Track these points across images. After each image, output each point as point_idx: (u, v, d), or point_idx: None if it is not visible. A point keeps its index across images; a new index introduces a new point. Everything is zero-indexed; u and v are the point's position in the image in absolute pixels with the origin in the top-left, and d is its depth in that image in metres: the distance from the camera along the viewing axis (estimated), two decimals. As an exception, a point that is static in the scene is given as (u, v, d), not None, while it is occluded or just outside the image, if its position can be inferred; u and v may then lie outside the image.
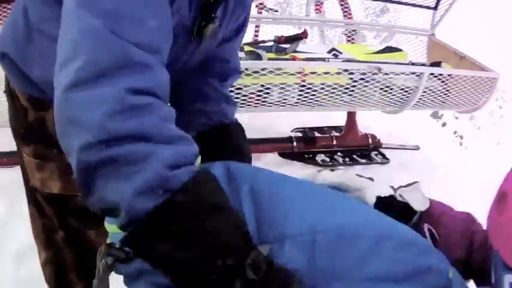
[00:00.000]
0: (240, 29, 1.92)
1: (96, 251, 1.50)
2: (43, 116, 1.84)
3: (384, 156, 4.75)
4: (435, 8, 4.80)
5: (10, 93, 1.90)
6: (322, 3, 5.36)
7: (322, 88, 3.72)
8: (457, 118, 6.20)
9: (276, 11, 6.25)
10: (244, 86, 3.58)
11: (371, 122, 5.13)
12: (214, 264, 1.06)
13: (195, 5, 1.53)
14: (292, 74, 3.63)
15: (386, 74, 3.76)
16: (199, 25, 1.60)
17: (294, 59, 4.02)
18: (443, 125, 6.12)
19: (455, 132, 6.04)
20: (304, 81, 3.69)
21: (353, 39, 5.25)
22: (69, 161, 1.14)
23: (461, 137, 6.00)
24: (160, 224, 1.06)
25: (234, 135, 2.01)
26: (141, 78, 1.14)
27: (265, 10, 5.72)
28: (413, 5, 4.94)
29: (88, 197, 1.14)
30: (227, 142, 1.97)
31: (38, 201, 2.02)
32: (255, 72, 3.51)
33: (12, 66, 1.78)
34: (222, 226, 1.10)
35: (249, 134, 4.18)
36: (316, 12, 5.33)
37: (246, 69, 3.47)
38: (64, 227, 2.04)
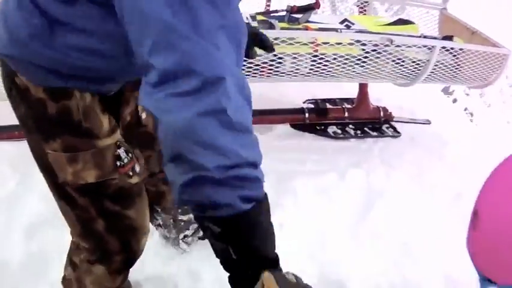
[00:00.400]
0: None
1: (139, 230, 2.13)
2: (67, 105, 1.85)
3: (395, 129, 4.71)
4: (447, -19, 4.76)
5: (18, 90, 1.87)
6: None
7: (335, 59, 3.68)
8: (467, 95, 6.19)
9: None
10: (257, 56, 3.56)
11: (382, 95, 5.11)
12: (274, 256, 1.49)
13: None
14: (305, 44, 3.58)
15: (398, 46, 3.71)
16: None
17: (306, 29, 3.99)
18: (454, 101, 6.10)
19: (465, 109, 6.02)
20: (316, 51, 3.65)
21: (365, 11, 5.20)
22: (186, 171, 1.38)
23: (472, 114, 5.98)
24: (250, 219, 1.41)
25: None
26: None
27: (276, -20, 5.71)
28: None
29: (190, 196, 1.42)
30: None
31: (69, 194, 2.01)
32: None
33: (20, 63, 1.79)
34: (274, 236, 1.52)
35: (261, 105, 4.23)
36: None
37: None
38: (103, 214, 2.07)
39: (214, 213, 1.40)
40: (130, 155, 2.06)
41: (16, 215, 3.28)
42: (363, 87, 4.66)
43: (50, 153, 1.91)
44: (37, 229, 3.19)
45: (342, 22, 4.32)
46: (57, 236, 2.75)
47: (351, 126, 4.63)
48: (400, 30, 4.28)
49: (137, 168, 2.11)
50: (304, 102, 4.94)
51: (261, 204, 1.43)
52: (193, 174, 1.36)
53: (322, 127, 4.61)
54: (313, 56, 3.65)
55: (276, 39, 3.43)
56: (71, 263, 2.30)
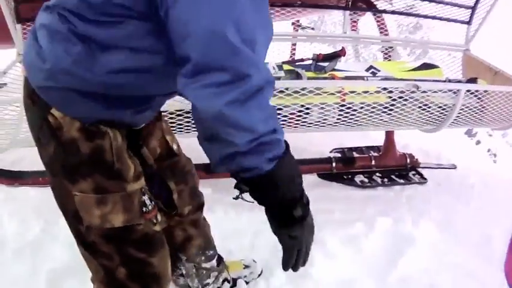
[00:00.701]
0: None
1: (162, 278, 2.19)
2: (100, 145, 1.92)
3: (421, 176, 4.67)
4: (469, 22, 4.78)
5: (50, 128, 1.90)
6: (357, 20, 5.35)
7: (362, 107, 3.68)
8: (490, 135, 6.18)
9: (312, 28, 6.28)
10: (285, 107, 3.57)
11: (408, 141, 5.11)
12: (298, 196, 1.89)
13: None
14: (332, 94, 3.59)
15: (424, 91, 3.71)
16: None
17: (333, 77, 4.00)
18: (478, 142, 6.10)
19: (489, 150, 6.00)
20: (344, 100, 3.65)
21: (389, 56, 5.22)
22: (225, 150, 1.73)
23: (495, 155, 5.97)
24: (274, 175, 1.76)
25: None
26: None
27: (301, 28, 5.75)
28: (447, 20, 4.91)
29: (225, 167, 1.78)
30: None
31: (92, 241, 2.03)
32: (295, 92, 3.47)
33: (62, 94, 1.84)
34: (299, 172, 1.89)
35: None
36: (352, 29, 5.32)
37: (287, 89, 3.45)
38: (126, 264, 2.10)
39: (245, 175, 1.77)
40: (153, 202, 2.15)
41: (39, 262, 3.28)
42: (389, 135, 4.65)
43: (76, 195, 1.94)
44: (60, 277, 3.17)
45: (367, 69, 4.34)
46: (81, 285, 2.75)
47: (378, 174, 4.60)
48: (425, 75, 4.29)
49: (159, 217, 2.18)
50: (331, 152, 4.95)
51: (283, 159, 1.76)
52: (226, 150, 1.72)
53: (349, 176, 4.58)
54: (340, 106, 3.65)
55: (303, 89, 3.44)
56: None
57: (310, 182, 4.40)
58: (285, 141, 1.80)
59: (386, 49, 5.24)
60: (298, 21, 5.80)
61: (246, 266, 3.23)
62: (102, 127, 1.91)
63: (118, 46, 1.74)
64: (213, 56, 1.58)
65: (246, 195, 1.89)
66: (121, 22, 1.70)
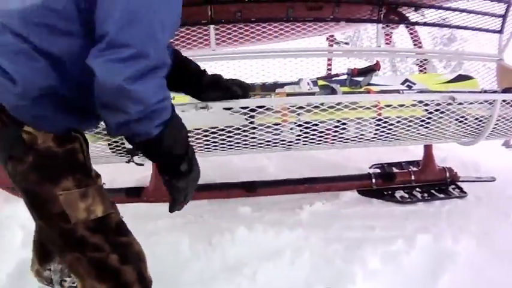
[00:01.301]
0: None
1: (143, 255, 2.37)
2: (73, 148, 2.17)
3: (461, 190, 4.60)
4: (500, 31, 4.76)
5: (24, 143, 2.07)
6: (391, 33, 5.32)
7: (399, 122, 3.64)
8: (527, 146, 6.09)
9: (347, 43, 6.27)
10: (320, 122, 3.54)
11: (446, 154, 5.06)
12: (183, 153, 2.17)
13: None
14: (368, 108, 3.55)
15: (460, 103, 3.65)
16: None
17: (368, 92, 3.97)
18: (515, 154, 6.00)
19: (527, 161, 5.90)
20: (380, 114, 3.61)
21: (424, 69, 5.18)
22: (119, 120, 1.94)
23: (533, 166, 5.86)
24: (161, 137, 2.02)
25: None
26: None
27: (336, 43, 5.74)
28: (479, 30, 4.88)
29: (120, 132, 2.03)
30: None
31: (82, 237, 2.17)
32: (331, 107, 3.44)
33: (33, 111, 2.03)
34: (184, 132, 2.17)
35: (327, 171, 4.20)
36: (386, 43, 5.30)
37: (322, 104, 3.42)
38: (115, 250, 2.24)
39: (137, 140, 2.03)
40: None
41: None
42: (428, 149, 4.60)
43: (61, 194, 2.10)
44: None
45: (403, 83, 4.31)
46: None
47: (417, 189, 4.53)
48: (461, 87, 4.26)
49: None
50: (370, 167, 4.93)
51: (170, 123, 2.03)
52: (121, 118, 1.92)
53: (390, 192, 4.52)
54: (377, 120, 3.61)
55: (338, 104, 3.42)
56: None
57: (350, 199, 4.41)
58: (172, 105, 2.07)
59: (421, 62, 5.21)
60: (332, 36, 5.81)
61: None
62: (72, 133, 2.16)
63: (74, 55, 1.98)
64: (127, 34, 1.82)
65: (137, 159, 2.48)
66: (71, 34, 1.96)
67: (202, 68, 2.82)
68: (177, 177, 2.20)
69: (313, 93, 3.80)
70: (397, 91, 4.05)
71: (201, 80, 2.81)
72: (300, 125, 3.53)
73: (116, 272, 2.24)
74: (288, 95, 3.86)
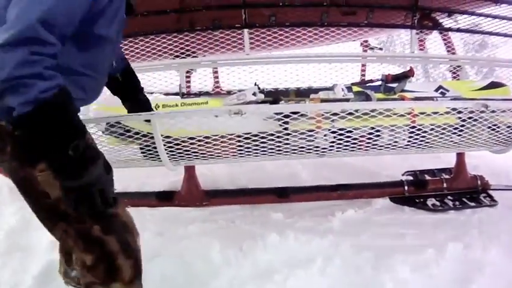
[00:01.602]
0: None
1: (131, 226, 2.41)
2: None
3: (492, 198, 4.57)
4: (533, 37, 4.71)
5: (4, 133, 2.22)
6: (424, 39, 5.31)
7: (432, 129, 3.63)
8: (560, 154, 6.03)
9: (380, 49, 6.27)
10: (354, 129, 3.54)
11: (478, 162, 5.03)
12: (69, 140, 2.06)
13: None
14: (402, 115, 3.55)
15: (493, 111, 3.63)
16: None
17: (402, 99, 3.96)
18: (547, 162, 5.94)
19: (559, 170, 5.84)
20: (414, 122, 3.61)
21: (457, 75, 5.16)
22: None
23: None
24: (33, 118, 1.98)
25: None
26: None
27: (370, 48, 5.74)
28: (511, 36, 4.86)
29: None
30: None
31: (64, 211, 2.26)
32: (365, 114, 3.44)
33: None
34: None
35: (359, 178, 4.19)
36: (420, 49, 5.29)
37: (356, 111, 3.42)
38: (98, 219, 2.30)
39: (12, 116, 1.99)
40: None
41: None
42: (460, 156, 4.58)
43: (40, 175, 2.21)
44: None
45: (437, 89, 4.28)
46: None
47: (449, 197, 4.50)
48: (493, 94, 4.22)
49: None
50: (403, 175, 4.91)
51: (43, 105, 1.95)
52: None
53: (421, 200, 4.49)
54: (411, 128, 3.61)
55: (372, 111, 3.41)
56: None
57: (382, 206, 4.40)
58: (64, 94, 2.06)
59: (454, 68, 5.18)
60: (366, 41, 5.81)
61: None
62: None
63: None
64: (8, 12, 1.99)
65: None
66: None
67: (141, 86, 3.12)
68: (59, 173, 2.14)
69: (347, 100, 3.80)
70: (431, 98, 4.05)
71: (135, 97, 3.12)
72: (333, 132, 3.53)
73: (99, 241, 2.32)
74: (322, 101, 3.86)
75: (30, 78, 1.93)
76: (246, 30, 4.78)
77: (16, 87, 1.91)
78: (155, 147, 3.45)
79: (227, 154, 3.65)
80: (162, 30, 5.14)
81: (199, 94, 5.11)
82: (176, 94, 5.06)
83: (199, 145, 3.58)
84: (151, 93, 5.20)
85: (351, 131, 3.52)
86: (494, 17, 4.99)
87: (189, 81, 5.27)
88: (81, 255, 2.37)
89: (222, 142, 3.59)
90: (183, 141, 3.50)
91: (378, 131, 3.57)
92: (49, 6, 1.98)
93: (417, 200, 4.47)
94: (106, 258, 2.34)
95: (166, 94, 5.32)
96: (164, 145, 3.42)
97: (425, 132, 3.63)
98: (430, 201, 4.43)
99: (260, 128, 3.43)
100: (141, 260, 2.46)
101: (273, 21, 4.96)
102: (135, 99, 3.17)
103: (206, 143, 3.58)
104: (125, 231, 2.39)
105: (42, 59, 1.97)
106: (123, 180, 4.69)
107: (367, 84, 4.42)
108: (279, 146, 3.53)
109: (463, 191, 4.57)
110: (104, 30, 2.27)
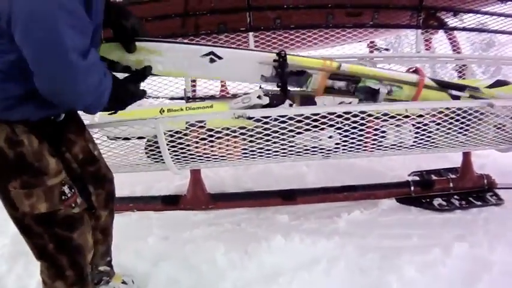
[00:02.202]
0: None
1: (83, 248, 2.68)
2: (21, 151, 2.43)
3: (498, 197, 4.57)
4: (539, 35, 4.70)
5: None
6: (430, 39, 5.31)
7: (438, 129, 3.62)
8: None
9: (387, 49, 6.27)
10: (360, 130, 3.54)
11: (484, 161, 5.02)
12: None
13: None
14: (407, 116, 3.55)
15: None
16: None
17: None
18: (554, 161, 5.91)
19: None
20: (419, 122, 3.60)
21: (464, 74, 5.15)
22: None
23: None
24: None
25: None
26: None
27: (376, 49, 5.74)
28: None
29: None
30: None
31: (27, 224, 2.52)
32: (370, 115, 3.46)
33: None
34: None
35: (366, 179, 4.18)
36: (426, 49, 5.28)
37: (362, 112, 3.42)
38: (52, 240, 2.57)
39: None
40: (73, 190, 2.65)
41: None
42: (466, 156, 4.60)
43: (12, 190, 2.45)
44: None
45: (441, 89, 4.27)
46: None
47: (456, 197, 4.52)
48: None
49: (78, 201, 2.68)
50: (409, 175, 4.92)
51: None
52: None
53: (428, 200, 4.50)
54: (416, 128, 3.60)
55: (378, 112, 3.42)
56: (42, 281, 2.73)
57: (388, 207, 4.42)
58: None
59: (460, 67, 5.17)
60: (373, 42, 5.82)
61: (124, 282, 3.42)
62: (20, 136, 2.43)
63: None
64: None
65: None
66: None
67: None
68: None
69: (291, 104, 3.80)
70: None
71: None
72: (339, 133, 3.53)
73: (51, 257, 2.61)
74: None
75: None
76: (251, 34, 4.79)
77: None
78: (160, 151, 3.46)
79: (232, 156, 3.65)
80: (167, 35, 5.16)
81: (204, 98, 5.13)
82: (181, 98, 5.11)
83: (204, 148, 3.59)
84: (157, 97, 5.23)
85: (356, 132, 3.52)
86: (500, 15, 4.99)
87: (194, 86, 5.28)
88: (40, 261, 2.68)
89: (227, 146, 3.59)
90: (187, 145, 3.51)
91: (383, 131, 3.57)
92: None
93: (423, 200, 4.49)
94: (56, 268, 2.66)
95: (172, 99, 5.34)
96: (168, 149, 3.43)
97: (430, 132, 3.62)
98: (437, 201, 4.43)
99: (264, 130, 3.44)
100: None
101: (278, 23, 4.96)
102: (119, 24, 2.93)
103: (211, 146, 3.59)
104: (77, 253, 2.67)
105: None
106: (130, 185, 4.75)
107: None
108: (284, 148, 3.53)
109: (470, 190, 4.57)
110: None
